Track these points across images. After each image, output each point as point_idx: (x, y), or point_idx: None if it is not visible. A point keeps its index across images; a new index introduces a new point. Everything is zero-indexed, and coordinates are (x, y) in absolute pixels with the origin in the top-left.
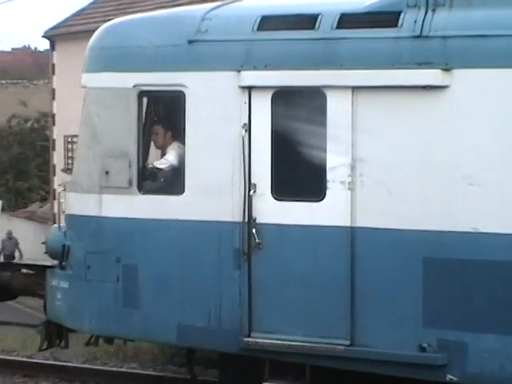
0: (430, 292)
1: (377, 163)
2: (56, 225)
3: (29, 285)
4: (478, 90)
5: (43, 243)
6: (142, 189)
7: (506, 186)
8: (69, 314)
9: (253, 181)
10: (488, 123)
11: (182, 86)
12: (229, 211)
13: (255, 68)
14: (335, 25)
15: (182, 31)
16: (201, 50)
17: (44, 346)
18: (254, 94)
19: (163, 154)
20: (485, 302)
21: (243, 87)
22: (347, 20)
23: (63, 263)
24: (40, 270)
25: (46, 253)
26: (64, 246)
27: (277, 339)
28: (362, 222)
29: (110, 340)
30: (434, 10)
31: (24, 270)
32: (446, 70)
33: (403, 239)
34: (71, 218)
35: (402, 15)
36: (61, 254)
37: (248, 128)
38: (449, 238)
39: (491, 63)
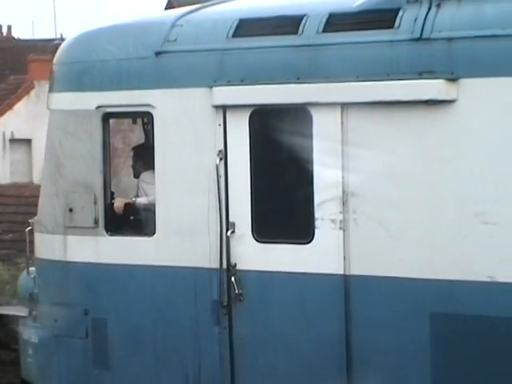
0: (440, 356)
1: (372, 197)
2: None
3: (1, 337)
4: (490, 104)
5: None
6: (110, 229)
7: None
8: (39, 373)
9: (231, 219)
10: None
11: (149, 106)
12: (205, 255)
13: (230, 83)
14: (321, 28)
15: (148, 41)
16: (169, 63)
17: None
18: (229, 115)
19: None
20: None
21: (217, 106)
22: (335, 22)
23: (34, 313)
24: (14, 321)
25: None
26: (31, 294)
27: None
28: (356, 268)
29: None
30: (438, 6)
31: None
32: (452, 80)
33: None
34: (38, 262)
35: (400, 13)
36: (29, 303)
37: (224, 155)
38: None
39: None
